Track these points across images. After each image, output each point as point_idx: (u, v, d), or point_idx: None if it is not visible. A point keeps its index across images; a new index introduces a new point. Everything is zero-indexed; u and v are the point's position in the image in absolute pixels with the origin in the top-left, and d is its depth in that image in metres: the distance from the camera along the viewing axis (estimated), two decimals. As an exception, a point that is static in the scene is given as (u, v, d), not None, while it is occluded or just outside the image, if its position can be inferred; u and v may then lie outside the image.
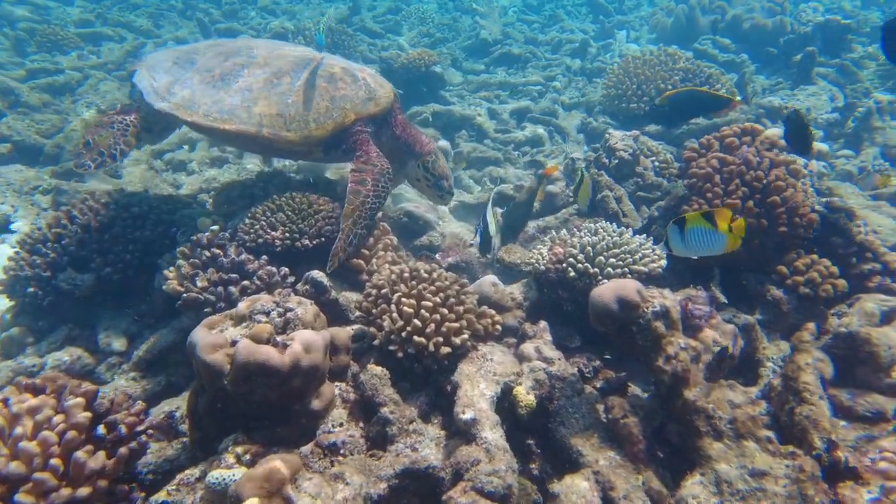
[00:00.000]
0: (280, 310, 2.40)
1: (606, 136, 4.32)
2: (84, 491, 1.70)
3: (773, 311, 2.91)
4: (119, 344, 3.18)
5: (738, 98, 4.55)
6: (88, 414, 1.89)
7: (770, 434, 2.18)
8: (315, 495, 1.95)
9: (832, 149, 5.57)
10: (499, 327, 2.96)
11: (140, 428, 1.98)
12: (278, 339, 2.32)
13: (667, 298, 2.74)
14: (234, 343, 2.26)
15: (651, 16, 11.57)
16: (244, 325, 2.40)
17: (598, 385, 2.88)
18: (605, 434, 2.50)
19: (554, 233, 3.35)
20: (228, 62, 3.52)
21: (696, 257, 2.43)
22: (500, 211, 4.76)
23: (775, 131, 4.77)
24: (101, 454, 1.73)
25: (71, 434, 1.76)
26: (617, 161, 4.13)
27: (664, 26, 10.61)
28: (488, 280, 3.16)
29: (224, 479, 2.00)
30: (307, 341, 2.29)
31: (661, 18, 10.81)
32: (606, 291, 2.46)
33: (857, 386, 2.68)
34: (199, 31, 10.73)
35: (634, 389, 2.90)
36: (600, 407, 2.64)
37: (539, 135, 6.58)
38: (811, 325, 2.42)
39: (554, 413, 2.60)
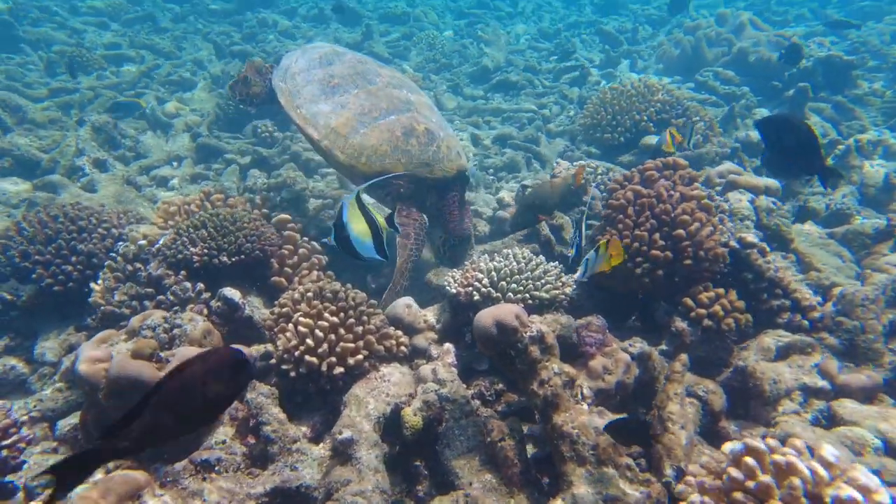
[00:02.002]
0: (166, 325, 2.41)
1: (554, 164, 4.28)
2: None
3: (678, 342, 2.83)
4: (52, 355, 3.23)
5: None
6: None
7: (630, 461, 2.11)
8: (160, 511, 1.95)
9: (809, 184, 5.42)
10: (404, 348, 2.94)
11: (5, 442, 2.00)
12: (161, 354, 2.34)
13: (559, 324, 2.71)
14: (116, 357, 2.28)
15: (658, 46, 11.45)
16: (133, 340, 2.42)
17: (500, 409, 2.83)
18: (486, 457, 2.45)
19: (487, 256, 3.32)
20: (349, 78, 3.78)
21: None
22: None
23: (727, 166, 4.65)
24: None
25: None
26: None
27: (671, 57, 10.51)
28: (402, 302, 3.14)
29: (82, 491, 2.01)
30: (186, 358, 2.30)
31: (669, 49, 10.69)
32: (487, 316, 2.42)
33: (752, 419, 2.59)
34: (216, 53, 10.96)
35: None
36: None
37: (517, 161, 6.53)
38: (684, 357, 2.34)
39: (442, 435, 2.56)
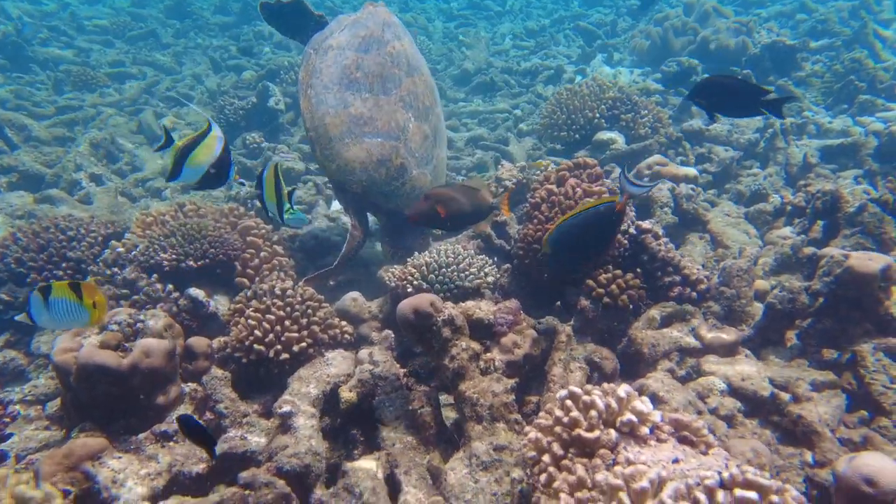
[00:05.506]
0: (130, 321, 2.77)
1: (499, 165, 4.58)
2: None
3: (583, 318, 3.14)
4: (47, 348, 3.60)
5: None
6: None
7: (518, 416, 2.43)
8: (118, 470, 2.30)
9: (745, 166, 5.68)
10: (348, 336, 3.28)
11: (-8, 416, 2.36)
12: (127, 345, 2.70)
13: (482, 311, 3.04)
14: (88, 348, 2.64)
15: (631, 38, 11.64)
16: (102, 333, 2.78)
17: (433, 384, 3.16)
18: (409, 423, 2.78)
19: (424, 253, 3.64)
20: (370, 77, 3.67)
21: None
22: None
23: (655, 158, 4.90)
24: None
25: None
26: (502, 189, 4.39)
27: (642, 49, 10.71)
28: (349, 296, 3.48)
29: (56, 458, 2.36)
30: (147, 347, 2.65)
31: (640, 41, 10.89)
32: (406, 304, 2.73)
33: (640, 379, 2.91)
34: (212, 67, 11.25)
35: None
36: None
37: (485, 162, 6.81)
38: (568, 328, 2.66)
39: (375, 407, 2.89)
